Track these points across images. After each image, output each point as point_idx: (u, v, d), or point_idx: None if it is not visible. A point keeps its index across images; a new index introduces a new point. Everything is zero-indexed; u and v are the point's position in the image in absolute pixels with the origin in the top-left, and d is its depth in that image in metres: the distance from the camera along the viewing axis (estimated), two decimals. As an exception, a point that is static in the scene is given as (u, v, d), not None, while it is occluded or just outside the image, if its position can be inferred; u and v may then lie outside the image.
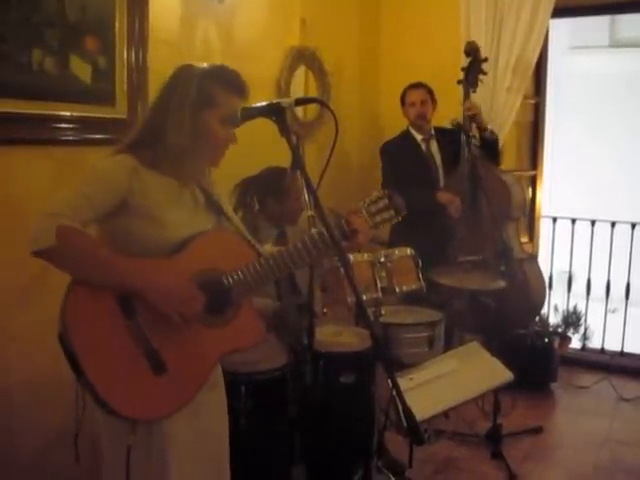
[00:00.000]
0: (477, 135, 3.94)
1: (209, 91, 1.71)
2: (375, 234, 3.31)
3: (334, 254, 1.79)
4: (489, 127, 3.99)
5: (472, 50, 3.89)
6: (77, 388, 1.67)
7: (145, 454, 1.72)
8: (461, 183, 3.88)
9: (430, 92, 4.02)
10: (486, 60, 3.93)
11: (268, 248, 1.96)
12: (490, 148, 3.98)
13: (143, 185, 1.70)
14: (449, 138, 3.99)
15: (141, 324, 1.65)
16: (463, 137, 3.87)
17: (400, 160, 3.96)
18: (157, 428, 1.72)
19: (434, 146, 4.05)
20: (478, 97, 4.13)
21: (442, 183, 4.01)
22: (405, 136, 4.07)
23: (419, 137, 4.04)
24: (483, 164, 3.91)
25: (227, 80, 1.74)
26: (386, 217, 1.81)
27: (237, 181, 3.04)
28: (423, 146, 4.04)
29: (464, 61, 3.95)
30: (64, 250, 1.58)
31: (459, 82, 3.94)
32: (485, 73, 3.94)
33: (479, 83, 3.93)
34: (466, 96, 3.90)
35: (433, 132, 4.05)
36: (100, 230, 1.75)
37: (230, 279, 1.74)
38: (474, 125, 3.90)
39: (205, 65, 1.76)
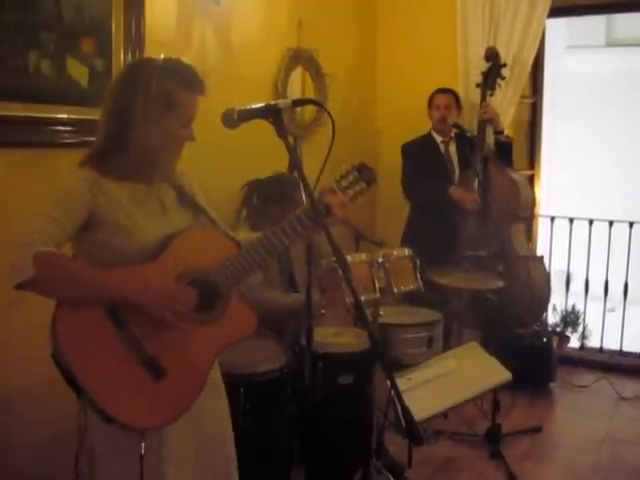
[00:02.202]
0: (492, 137, 4.07)
1: (171, 93, 1.66)
2: (368, 234, 3.27)
3: (317, 233, 1.76)
4: (505, 131, 4.10)
5: (492, 55, 4.01)
6: (79, 405, 1.64)
7: (154, 462, 1.71)
8: (472, 181, 3.96)
9: (456, 98, 4.16)
10: (505, 65, 4.04)
11: (242, 235, 1.94)
12: (504, 151, 4.09)
13: (107, 196, 1.66)
14: (469, 141, 4.06)
15: (134, 332, 1.63)
16: (473, 137, 3.94)
17: (419, 158, 4.12)
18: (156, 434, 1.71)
19: (452, 148, 4.20)
20: (474, 97, 4.16)
21: (457, 181, 4.12)
22: (426, 138, 4.22)
23: (439, 139, 4.19)
24: (495, 164, 4.00)
25: (186, 79, 1.69)
26: (358, 190, 1.78)
27: (232, 183, 3.06)
28: (442, 147, 4.19)
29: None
30: (45, 277, 1.53)
31: (477, 85, 4.07)
32: (504, 78, 4.05)
33: (497, 87, 4.05)
34: (483, 99, 4.02)
35: (453, 135, 4.16)
36: (74, 247, 1.70)
37: (215, 274, 1.72)
38: (490, 128, 4.03)
39: (161, 61, 1.70)
